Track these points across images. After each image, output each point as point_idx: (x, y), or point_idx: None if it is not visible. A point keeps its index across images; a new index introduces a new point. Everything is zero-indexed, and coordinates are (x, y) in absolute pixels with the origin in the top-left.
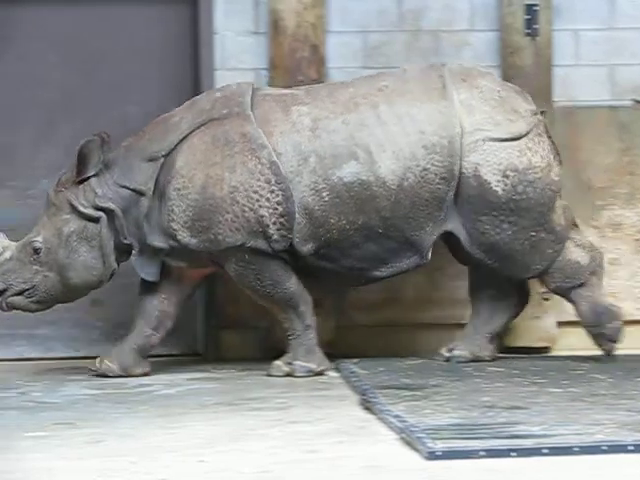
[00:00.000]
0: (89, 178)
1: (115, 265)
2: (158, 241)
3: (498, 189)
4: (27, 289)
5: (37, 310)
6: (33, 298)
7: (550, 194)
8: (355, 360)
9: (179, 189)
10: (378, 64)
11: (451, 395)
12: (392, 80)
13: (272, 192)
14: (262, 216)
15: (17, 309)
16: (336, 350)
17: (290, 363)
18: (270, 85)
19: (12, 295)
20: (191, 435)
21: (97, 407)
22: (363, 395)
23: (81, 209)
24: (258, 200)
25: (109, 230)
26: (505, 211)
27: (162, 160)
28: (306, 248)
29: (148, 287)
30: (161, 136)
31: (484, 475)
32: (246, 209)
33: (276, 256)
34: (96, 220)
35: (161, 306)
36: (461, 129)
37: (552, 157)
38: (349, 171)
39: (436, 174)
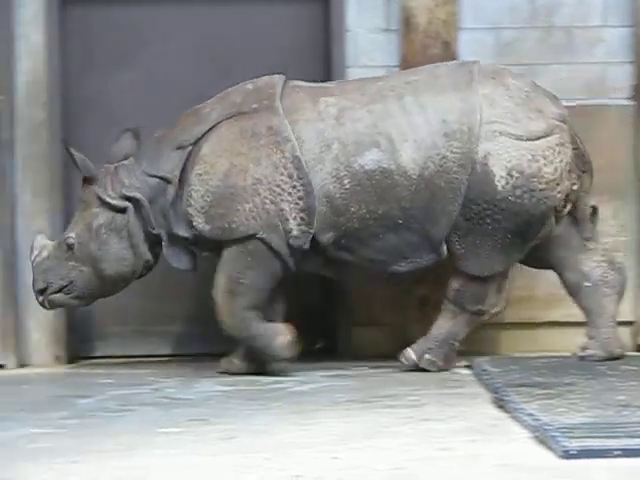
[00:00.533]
0: (117, 170)
1: (149, 256)
2: (182, 230)
3: (499, 184)
4: (65, 285)
5: (79, 305)
6: (72, 294)
7: (543, 209)
8: (487, 358)
9: (200, 174)
10: (510, 61)
11: (585, 394)
12: (424, 75)
13: (294, 187)
14: (282, 210)
15: (59, 306)
16: (467, 348)
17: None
18: None
19: (52, 293)
20: (324, 432)
21: (230, 403)
22: (495, 393)
23: (108, 200)
24: (280, 194)
25: (137, 220)
26: (495, 207)
27: (190, 148)
28: (326, 237)
29: None
30: (191, 126)
31: (619, 475)
32: (267, 201)
33: (279, 259)
34: (123, 210)
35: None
36: (480, 118)
37: (568, 171)
38: (371, 158)
39: (454, 161)
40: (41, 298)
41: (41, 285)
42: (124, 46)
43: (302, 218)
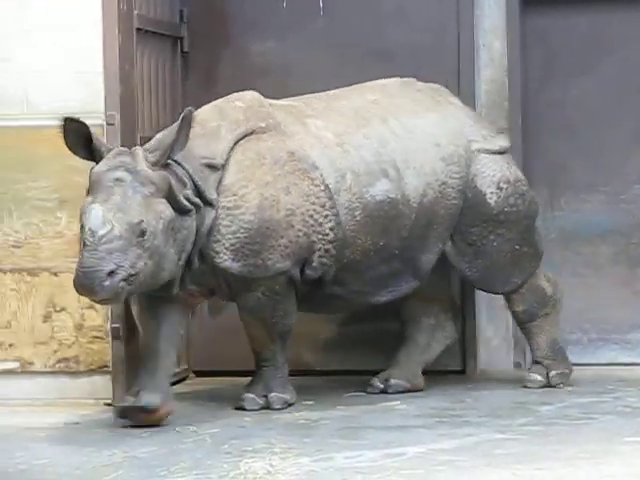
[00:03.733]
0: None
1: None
2: (195, 259)
3: (492, 201)
4: (132, 275)
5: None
6: (131, 286)
7: (535, 207)
8: None
9: (229, 208)
10: None
11: None
12: (378, 94)
13: (326, 217)
14: (313, 242)
15: (116, 298)
16: None
17: (265, 396)
18: None
19: (121, 280)
20: None
21: None
22: None
23: (178, 195)
24: (312, 225)
25: (193, 229)
26: (495, 222)
27: (220, 172)
28: (332, 271)
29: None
30: (205, 142)
31: None
32: (300, 234)
33: (296, 286)
34: (186, 212)
35: None
36: (466, 139)
37: None
38: (380, 189)
39: (453, 187)
40: (108, 282)
41: (111, 266)
42: (584, 54)
43: (327, 250)
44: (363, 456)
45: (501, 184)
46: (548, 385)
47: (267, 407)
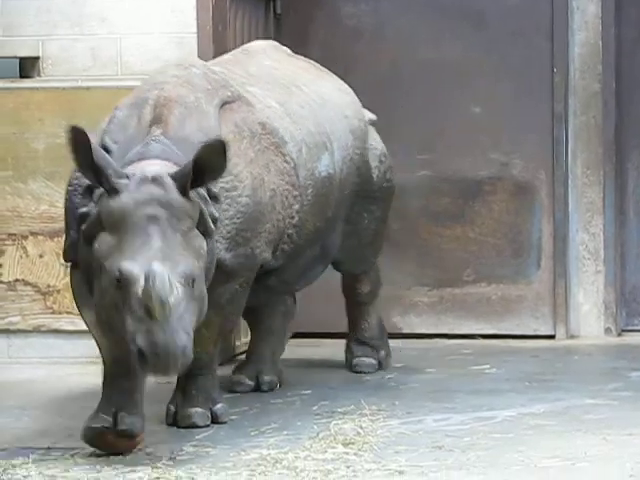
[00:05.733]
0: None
1: None
2: None
3: (375, 176)
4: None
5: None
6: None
7: (395, 184)
8: None
9: (227, 189)
10: None
11: None
12: (268, 60)
13: (295, 197)
14: (285, 227)
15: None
16: None
17: (210, 408)
18: None
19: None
20: None
21: None
22: None
23: (207, 219)
24: (286, 208)
25: (213, 254)
26: (370, 199)
27: None
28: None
29: None
30: (190, 122)
31: None
32: (280, 218)
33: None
34: (212, 232)
35: None
36: (361, 110)
37: None
38: (324, 163)
39: (355, 163)
40: (182, 360)
41: (184, 340)
42: None
43: (289, 235)
44: (452, 419)
45: (382, 158)
46: (379, 367)
47: (214, 421)
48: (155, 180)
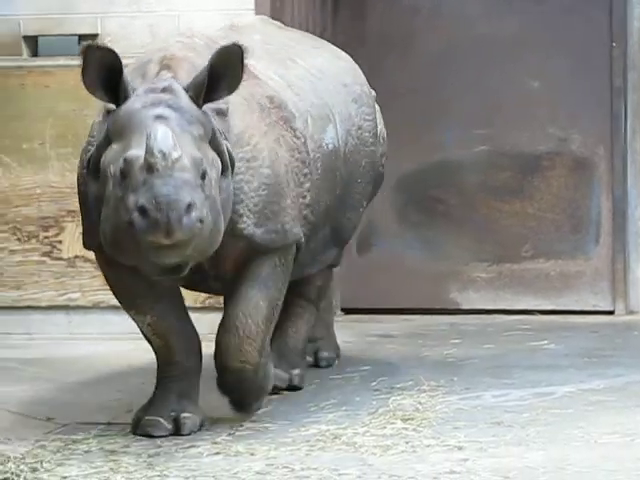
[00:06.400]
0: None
1: None
2: None
3: (377, 151)
4: (202, 220)
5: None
6: (200, 238)
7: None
8: None
9: (248, 160)
10: None
11: None
12: (258, 34)
13: (305, 175)
14: (299, 206)
15: (185, 248)
16: None
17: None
18: None
19: (198, 220)
20: None
21: None
22: None
23: (222, 144)
24: (298, 186)
25: (231, 193)
26: (371, 174)
27: (227, 118)
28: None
29: None
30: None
31: None
32: (294, 194)
33: None
34: (224, 170)
35: None
36: (363, 76)
37: None
38: (330, 136)
39: (369, 131)
40: (186, 219)
41: (188, 198)
42: None
43: (305, 217)
44: (511, 395)
45: (381, 139)
46: (316, 365)
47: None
48: (165, 89)
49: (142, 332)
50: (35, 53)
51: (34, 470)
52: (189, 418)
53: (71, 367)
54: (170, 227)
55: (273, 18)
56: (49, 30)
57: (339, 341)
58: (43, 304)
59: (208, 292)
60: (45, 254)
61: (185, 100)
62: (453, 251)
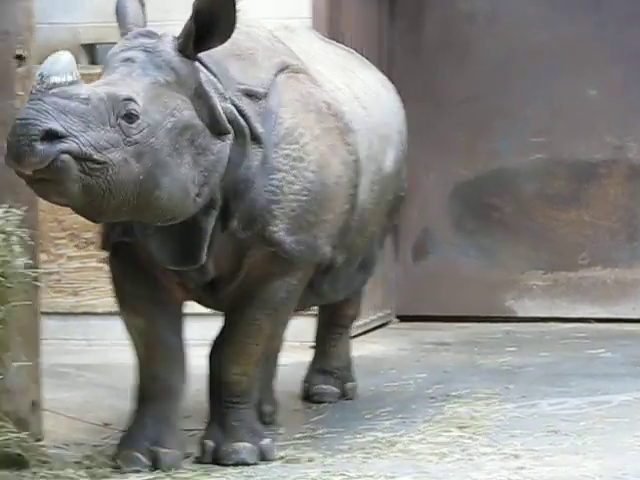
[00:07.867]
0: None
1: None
2: (235, 226)
3: (403, 180)
4: (92, 159)
5: (82, 206)
6: (95, 178)
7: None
8: None
9: (294, 158)
10: None
11: None
12: (305, 43)
13: (349, 196)
14: (344, 224)
15: (57, 181)
16: None
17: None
18: None
19: (64, 152)
20: None
21: None
22: None
23: (212, 101)
24: (344, 204)
25: (224, 158)
26: (388, 208)
27: (262, 102)
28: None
29: None
30: (236, 61)
31: None
32: (341, 212)
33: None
34: (220, 132)
35: None
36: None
37: None
38: (390, 158)
39: (399, 166)
40: (41, 145)
41: (53, 124)
42: None
43: (346, 243)
44: (567, 403)
45: (404, 164)
46: (343, 397)
47: (262, 458)
48: (151, 33)
49: (130, 339)
50: (93, 61)
51: (92, 476)
52: (168, 454)
53: (128, 373)
54: (19, 152)
55: (330, 27)
56: (107, 38)
57: (395, 348)
58: (100, 310)
59: (218, 308)
60: (103, 260)
61: (165, 45)
62: (509, 259)
